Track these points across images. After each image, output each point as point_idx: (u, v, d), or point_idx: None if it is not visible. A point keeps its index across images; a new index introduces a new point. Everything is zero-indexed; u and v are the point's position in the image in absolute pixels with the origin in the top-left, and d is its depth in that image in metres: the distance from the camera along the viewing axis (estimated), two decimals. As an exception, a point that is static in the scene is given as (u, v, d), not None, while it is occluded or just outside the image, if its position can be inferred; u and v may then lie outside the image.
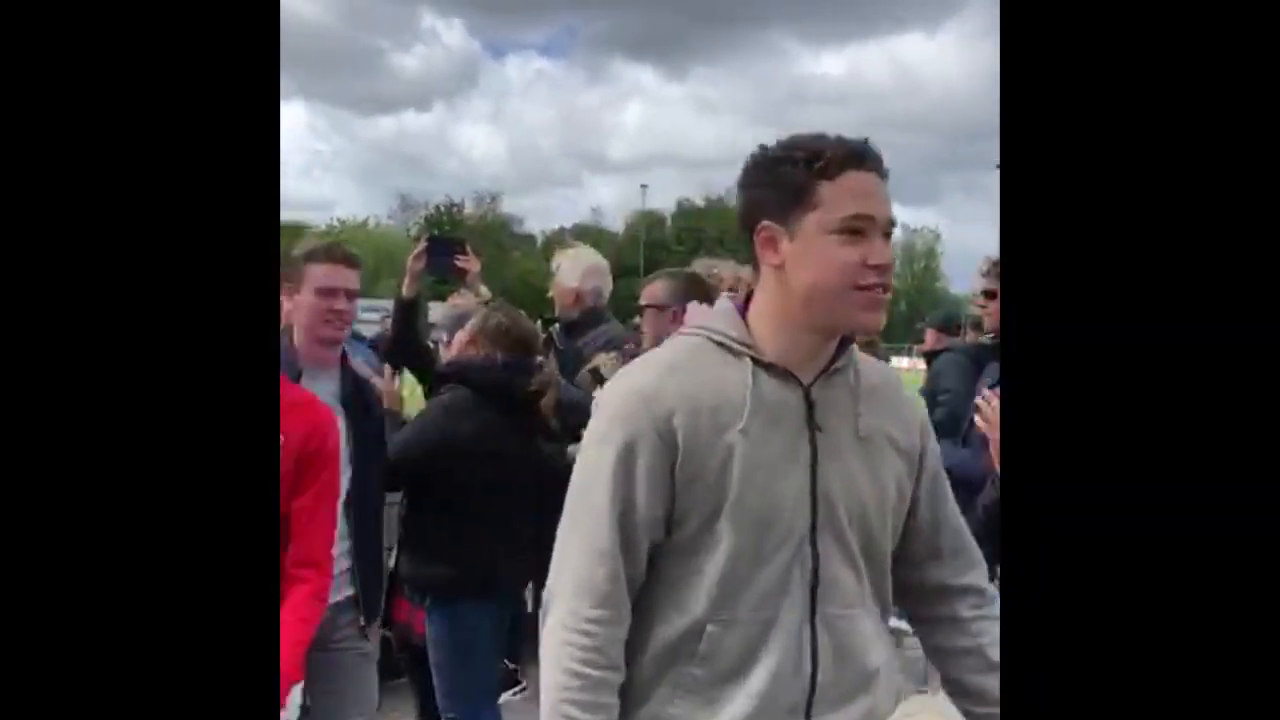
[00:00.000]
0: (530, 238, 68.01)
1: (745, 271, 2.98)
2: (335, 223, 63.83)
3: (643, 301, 3.17)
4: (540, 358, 3.01)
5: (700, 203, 66.41)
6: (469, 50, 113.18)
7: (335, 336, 2.53)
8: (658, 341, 1.87)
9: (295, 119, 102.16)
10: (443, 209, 65.03)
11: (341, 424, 2.36)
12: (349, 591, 2.43)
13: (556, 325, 3.97)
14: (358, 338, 5.41)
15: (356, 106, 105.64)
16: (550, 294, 4.02)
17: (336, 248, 2.62)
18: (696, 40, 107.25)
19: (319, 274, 2.49)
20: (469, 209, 65.56)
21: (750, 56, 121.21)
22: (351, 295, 2.54)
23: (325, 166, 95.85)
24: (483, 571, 2.81)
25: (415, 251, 3.71)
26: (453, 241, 4.00)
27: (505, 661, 3.53)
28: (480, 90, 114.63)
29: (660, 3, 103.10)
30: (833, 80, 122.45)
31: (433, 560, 2.82)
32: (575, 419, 2.73)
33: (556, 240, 65.43)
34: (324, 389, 2.43)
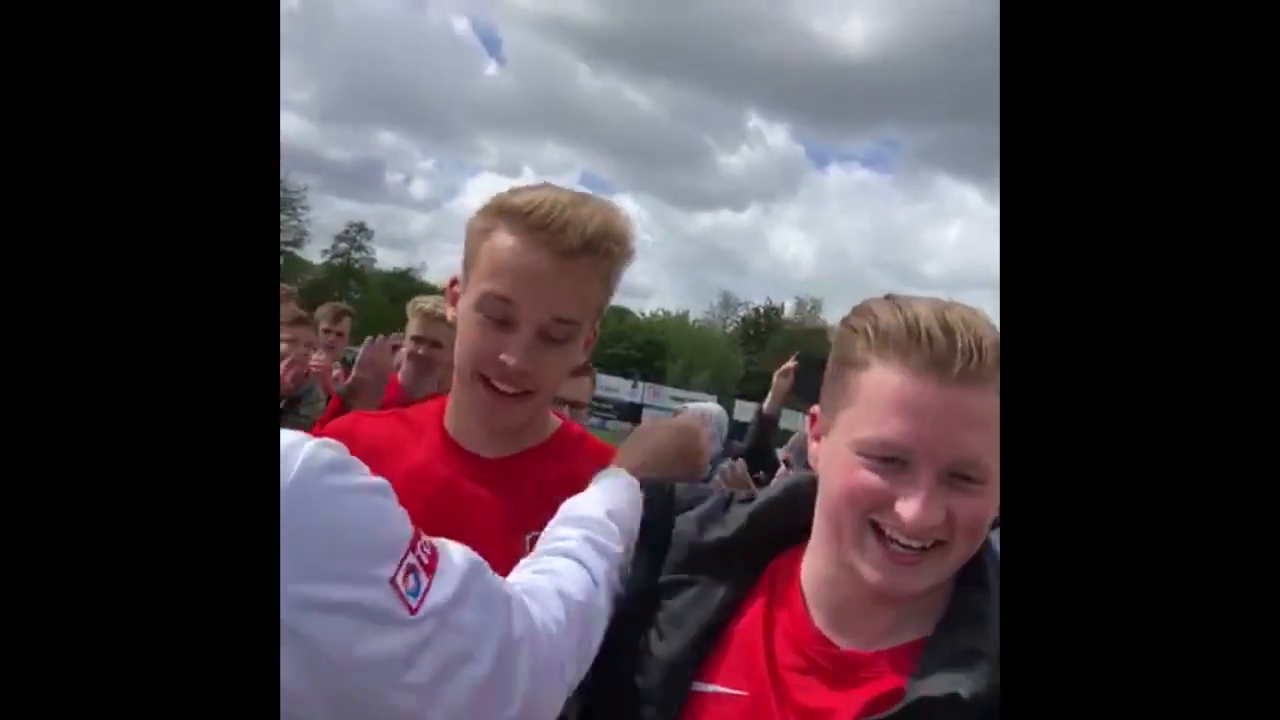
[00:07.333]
0: (846, 348, 67.33)
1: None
2: (660, 313, 66.83)
3: None
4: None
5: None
6: (791, 154, 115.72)
7: None
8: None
9: (624, 209, 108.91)
10: (762, 310, 66.15)
11: None
12: None
13: None
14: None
15: (679, 201, 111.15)
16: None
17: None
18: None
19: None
20: (788, 313, 66.26)
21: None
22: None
23: (648, 256, 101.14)
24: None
25: (783, 368, 3.65)
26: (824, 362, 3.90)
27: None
28: (798, 196, 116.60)
29: (991, 119, 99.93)
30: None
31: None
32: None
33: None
34: None
